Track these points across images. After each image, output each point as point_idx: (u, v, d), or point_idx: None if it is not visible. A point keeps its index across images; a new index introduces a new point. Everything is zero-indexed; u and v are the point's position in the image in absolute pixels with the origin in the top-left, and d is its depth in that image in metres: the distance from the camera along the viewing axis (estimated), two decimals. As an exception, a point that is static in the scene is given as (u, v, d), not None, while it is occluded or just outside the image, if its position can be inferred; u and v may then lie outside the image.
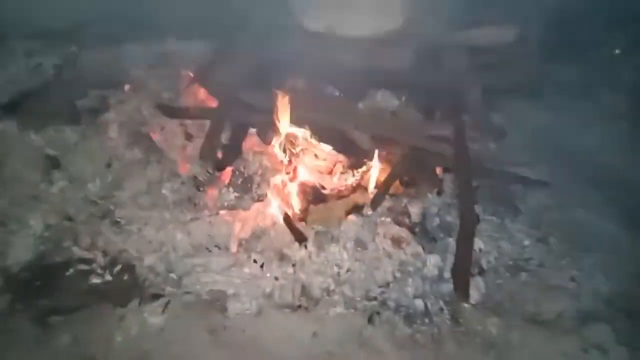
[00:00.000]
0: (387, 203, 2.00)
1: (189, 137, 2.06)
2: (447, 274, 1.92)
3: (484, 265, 1.95)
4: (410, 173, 2.06)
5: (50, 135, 2.12)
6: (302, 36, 2.30)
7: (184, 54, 2.71)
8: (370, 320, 1.67)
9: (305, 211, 1.92)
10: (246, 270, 1.77)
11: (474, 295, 1.88)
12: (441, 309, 1.83)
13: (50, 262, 1.77)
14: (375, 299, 1.79)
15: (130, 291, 1.65)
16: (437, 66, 2.53)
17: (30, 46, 2.80)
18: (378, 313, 1.69)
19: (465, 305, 1.85)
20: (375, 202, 1.88)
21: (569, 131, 2.74)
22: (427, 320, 1.77)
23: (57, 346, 1.56)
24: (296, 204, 1.93)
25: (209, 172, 1.98)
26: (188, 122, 2.16)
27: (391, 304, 1.77)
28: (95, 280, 1.71)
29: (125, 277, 1.71)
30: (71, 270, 1.73)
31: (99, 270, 1.75)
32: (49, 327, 1.59)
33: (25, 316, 1.59)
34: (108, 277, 1.71)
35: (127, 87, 2.42)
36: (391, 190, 2.01)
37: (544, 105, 2.87)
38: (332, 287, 1.76)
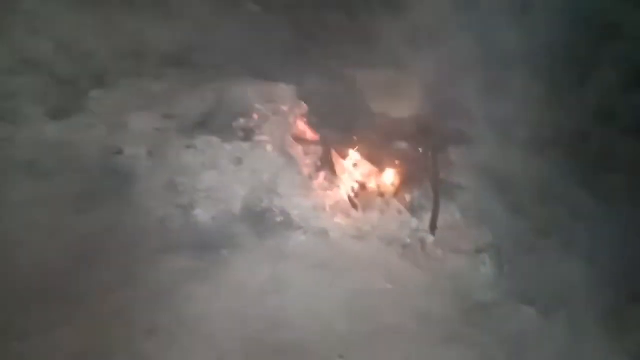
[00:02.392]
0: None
1: (307, 151, 3.94)
2: (420, 227, 4.03)
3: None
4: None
5: (235, 145, 4.00)
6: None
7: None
8: (388, 244, 3.78)
9: (357, 194, 3.93)
10: (336, 220, 3.79)
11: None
12: (416, 240, 3.91)
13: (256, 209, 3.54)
14: (389, 237, 3.87)
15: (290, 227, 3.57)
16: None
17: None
18: (391, 242, 3.81)
19: (431, 237, 3.86)
20: (396, 195, 3.92)
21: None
22: (411, 246, 3.89)
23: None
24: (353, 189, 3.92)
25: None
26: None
27: (396, 238, 3.84)
28: (278, 219, 3.51)
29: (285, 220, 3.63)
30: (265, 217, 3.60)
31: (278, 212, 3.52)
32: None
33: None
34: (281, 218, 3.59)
35: (255, 116, 4.06)
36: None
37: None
38: (371, 230, 3.84)
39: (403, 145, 4.00)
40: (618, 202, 4.44)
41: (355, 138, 3.94)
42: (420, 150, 4.03)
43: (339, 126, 3.96)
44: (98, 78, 4.03)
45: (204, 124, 3.87)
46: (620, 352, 3.36)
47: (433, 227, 3.66)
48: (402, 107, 3.98)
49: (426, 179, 3.94)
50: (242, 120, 3.95)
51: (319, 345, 2.92)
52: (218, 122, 3.92)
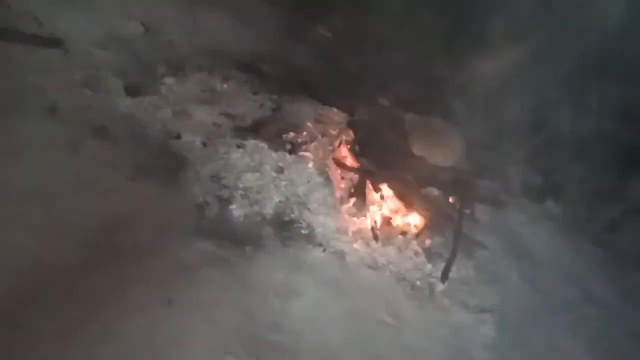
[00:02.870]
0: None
1: (344, 176, 4.19)
2: (433, 273, 4.16)
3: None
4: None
5: (280, 154, 4.30)
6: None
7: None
8: (399, 281, 3.96)
9: (380, 227, 4.12)
10: (355, 246, 3.95)
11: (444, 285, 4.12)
12: (426, 284, 4.07)
13: (285, 217, 3.77)
14: (401, 274, 4.04)
15: (312, 241, 3.86)
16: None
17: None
18: (402, 280, 3.99)
19: (441, 285, 4.01)
20: (416, 237, 4.10)
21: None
22: (421, 288, 4.04)
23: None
24: (377, 222, 4.15)
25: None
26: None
27: (408, 278, 3.97)
28: (303, 232, 3.69)
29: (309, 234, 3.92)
30: (291, 226, 3.96)
31: (304, 225, 3.77)
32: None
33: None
34: (306, 231, 3.82)
35: (304, 133, 4.44)
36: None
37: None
38: (386, 263, 4.02)
39: (434, 191, 4.18)
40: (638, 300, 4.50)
41: (391, 174, 4.15)
42: (450, 200, 4.20)
43: (379, 160, 4.18)
44: (174, 67, 4.43)
45: (257, 129, 4.18)
46: None
47: (445, 276, 3.81)
48: (442, 156, 4.17)
49: (449, 229, 4.10)
50: (291, 134, 4.23)
51: (312, 355, 3.11)
52: (269, 131, 4.22)
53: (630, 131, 5.12)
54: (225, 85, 4.51)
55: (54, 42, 4.00)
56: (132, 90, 4.05)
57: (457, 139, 4.18)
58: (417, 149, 4.12)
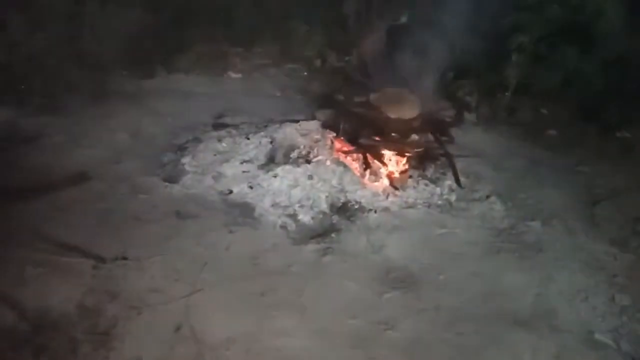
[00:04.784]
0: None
1: (352, 158, 5.46)
2: (443, 192, 5.53)
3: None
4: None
5: (304, 167, 5.41)
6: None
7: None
8: (429, 207, 5.19)
9: (395, 179, 5.42)
10: (390, 199, 5.19)
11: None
12: (445, 202, 5.39)
13: (338, 204, 5.16)
14: (427, 202, 5.33)
15: (364, 209, 5.08)
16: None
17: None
18: (429, 205, 5.25)
19: (454, 196, 5.46)
20: (419, 174, 5.45)
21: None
22: (443, 206, 5.37)
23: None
24: (391, 177, 5.41)
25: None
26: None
27: (432, 203, 5.21)
28: (355, 207, 5.15)
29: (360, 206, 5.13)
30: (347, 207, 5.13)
31: (353, 202, 5.16)
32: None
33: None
34: (357, 205, 5.10)
35: (302, 146, 5.74)
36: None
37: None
38: (414, 200, 5.26)
39: (415, 136, 5.56)
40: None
41: (382, 141, 5.45)
42: (429, 136, 5.62)
43: (368, 136, 5.45)
44: (181, 149, 5.38)
45: (273, 159, 5.26)
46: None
47: (458, 183, 5.22)
48: (409, 110, 5.53)
49: (437, 157, 5.52)
50: (296, 152, 5.35)
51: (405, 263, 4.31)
52: (280, 156, 5.31)
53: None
54: (224, 143, 5.53)
55: None
56: (171, 180, 5.00)
57: (412, 95, 5.58)
58: (392, 114, 5.42)
